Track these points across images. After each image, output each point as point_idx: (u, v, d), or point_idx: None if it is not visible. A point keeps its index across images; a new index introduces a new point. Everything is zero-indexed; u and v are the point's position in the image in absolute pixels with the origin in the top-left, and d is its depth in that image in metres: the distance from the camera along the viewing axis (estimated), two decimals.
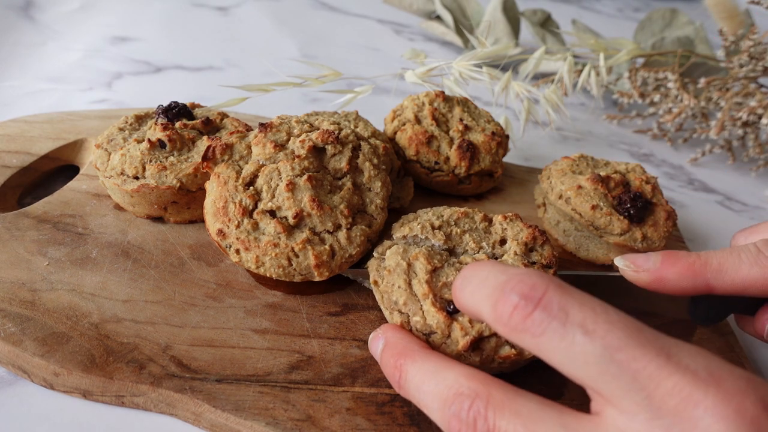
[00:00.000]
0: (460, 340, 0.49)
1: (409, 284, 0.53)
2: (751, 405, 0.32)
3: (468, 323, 0.50)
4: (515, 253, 0.56)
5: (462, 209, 0.62)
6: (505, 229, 0.60)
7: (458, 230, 0.59)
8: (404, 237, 0.59)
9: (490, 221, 0.61)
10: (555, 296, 0.37)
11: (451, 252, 0.58)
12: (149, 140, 0.65)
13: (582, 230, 0.73)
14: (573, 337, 0.36)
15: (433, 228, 0.58)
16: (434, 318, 0.50)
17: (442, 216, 0.60)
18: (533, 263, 0.57)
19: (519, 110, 0.99)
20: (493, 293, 0.40)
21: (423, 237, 0.58)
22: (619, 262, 0.54)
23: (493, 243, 0.58)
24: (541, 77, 1.22)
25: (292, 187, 0.59)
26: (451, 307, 0.51)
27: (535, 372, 0.59)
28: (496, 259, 0.57)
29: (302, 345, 0.57)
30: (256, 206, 0.60)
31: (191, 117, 0.72)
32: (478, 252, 0.57)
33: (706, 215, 0.97)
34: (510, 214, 0.61)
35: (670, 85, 1.08)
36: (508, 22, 1.24)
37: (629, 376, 0.34)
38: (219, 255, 0.65)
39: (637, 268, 0.52)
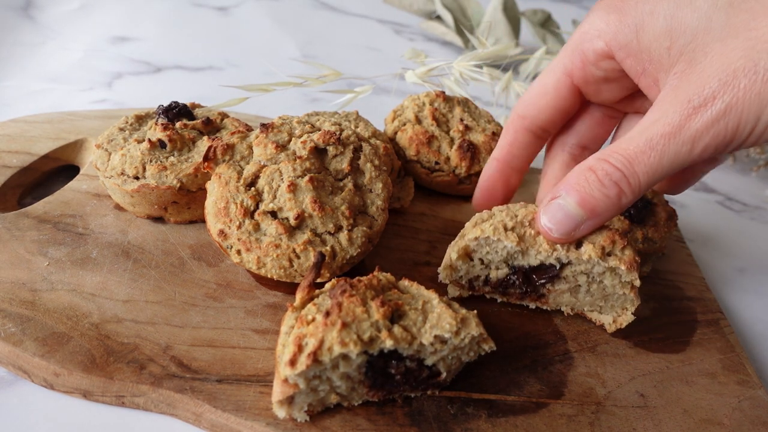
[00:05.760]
0: None
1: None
2: None
3: None
4: (589, 257, 0.54)
5: (536, 209, 0.59)
6: None
7: (532, 231, 0.57)
8: (476, 238, 0.57)
9: None
10: None
11: (524, 254, 0.57)
12: (149, 140, 0.65)
13: None
14: None
15: (505, 230, 0.57)
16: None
17: (516, 216, 0.58)
18: (612, 269, 0.56)
19: None
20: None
21: (495, 239, 0.56)
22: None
23: (567, 246, 0.56)
24: None
25: (293, 188, 0.59)
26: None
27: (535, 371, 0.59)
28: (570, 263, 0.56)
29: None
30: (257, 207, 0.60)
31: (191, 117, 0.72)
32: (552, 254, 0.56)
33: (706, 215, 0.97)
34: None
35: None
36: (508, 22, 1.24)
37: None
38: (219, 255, 0.65)
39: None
